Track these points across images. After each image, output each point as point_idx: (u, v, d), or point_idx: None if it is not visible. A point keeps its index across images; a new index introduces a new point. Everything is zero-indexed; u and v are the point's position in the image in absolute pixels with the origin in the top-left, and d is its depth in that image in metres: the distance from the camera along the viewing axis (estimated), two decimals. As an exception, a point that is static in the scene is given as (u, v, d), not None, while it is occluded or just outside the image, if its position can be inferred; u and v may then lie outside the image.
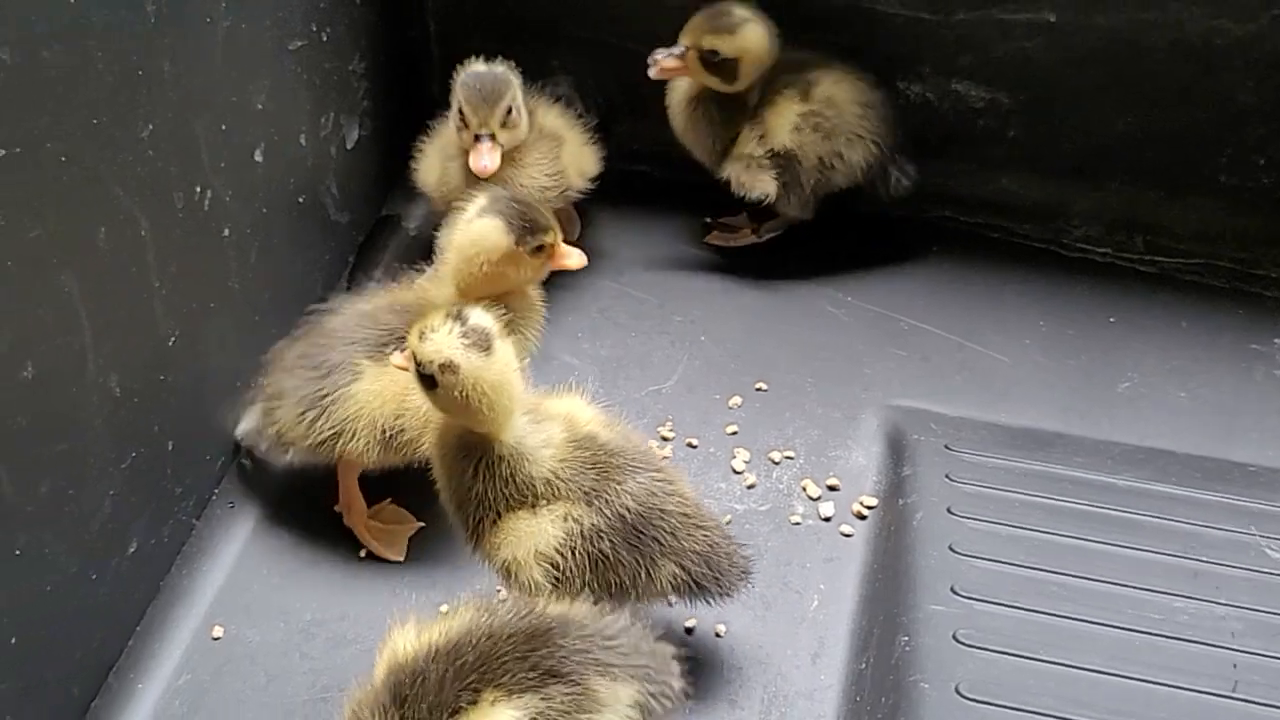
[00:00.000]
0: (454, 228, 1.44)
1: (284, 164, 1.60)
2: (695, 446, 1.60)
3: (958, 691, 1.30)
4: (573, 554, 1.23)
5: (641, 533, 1.25)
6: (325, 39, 1.66)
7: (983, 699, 1.30)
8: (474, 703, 1.07)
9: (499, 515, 1.25)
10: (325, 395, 1.42)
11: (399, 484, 1.50)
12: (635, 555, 1.24)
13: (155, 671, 1.37)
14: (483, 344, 1.19)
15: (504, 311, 1.29)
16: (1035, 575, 1.40)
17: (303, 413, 1.43)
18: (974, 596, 1.38)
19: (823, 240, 1.83)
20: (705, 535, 1.27)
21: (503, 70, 1.66)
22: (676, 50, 1.70)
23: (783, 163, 1.73)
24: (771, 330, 1.74)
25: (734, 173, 1.75)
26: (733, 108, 1.75)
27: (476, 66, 1.66)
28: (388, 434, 1.41)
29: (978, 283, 1.81)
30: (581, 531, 1.24)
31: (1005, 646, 1.34)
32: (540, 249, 1.43)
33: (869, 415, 1.62)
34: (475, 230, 1.41)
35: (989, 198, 1.86)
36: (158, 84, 1.32)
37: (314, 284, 1.70)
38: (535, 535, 1.24)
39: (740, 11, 1.69)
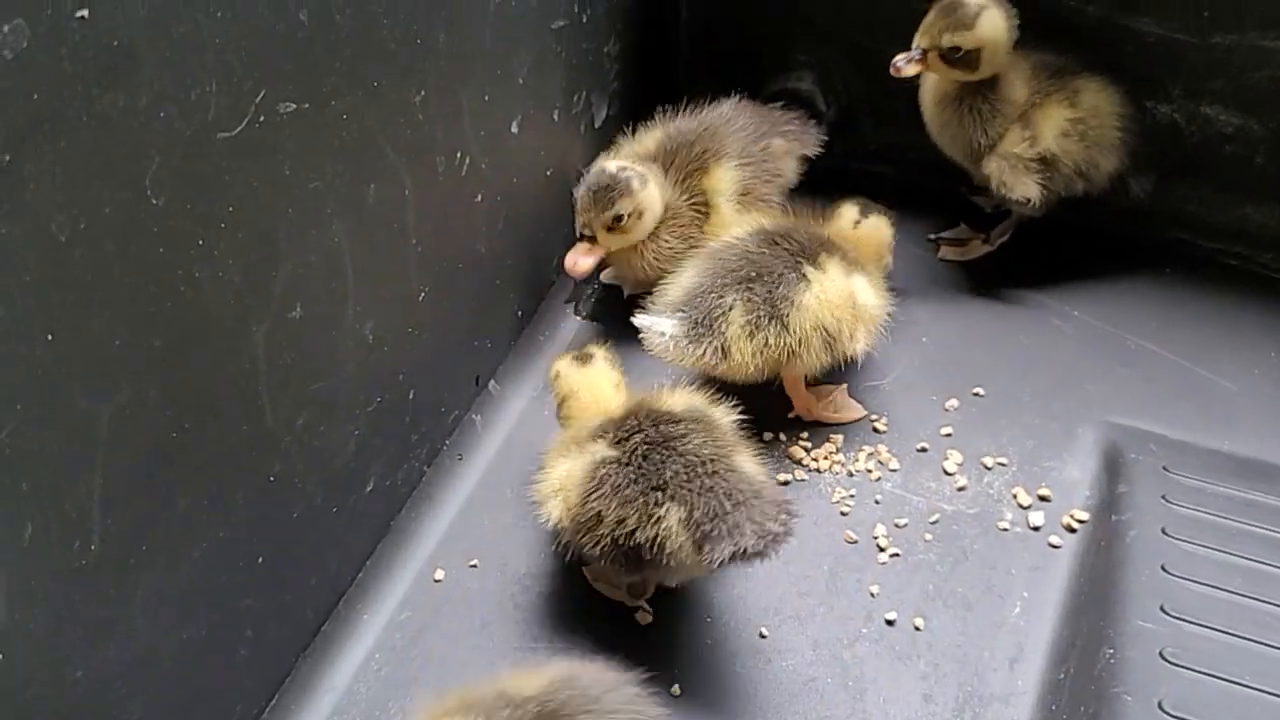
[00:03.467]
0: (840, 222, 1.66)
1: (537, 137, 1.67)
2: (908, 444, 1.62)
3: (1161, 707, 1.30)
4: (587, 485, 1.33)
5: (648, 471, 1.31)
6: (585, 20, 1.73)
7: (1186, 717, 1.29)
8: None
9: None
10: (780, 304, 1.54)
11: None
12: (639, 490, 1.30)
13: (380, 605, 1.46)
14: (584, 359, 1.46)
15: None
16: (1249, 604, 1.39)
17: (754, 324, 1.53)
18: (1184, 618, 1.38)
19: (1053, 254, 1.83)
20: (723, 485, 1.30)
21: (627, 176, 1.64)
22: (915, 54, 1.71)
23: (1047, 167, 1.73)
24: (993, 338, 1.75)
25: (997, 171, 1.73)
26: (995, 101, 1.74)
27: (608, 164, 1.67)
28: (834, 336, 1.55)
29: (1210, 307, 1.78)
30: (596, 459, 1.33)
31: (1213, 669, 1.33)
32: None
33: (1086, 430, 1.61)
34: (867, 232, 1.67)
35: (1230, 224, 1.83)
36: (433, 53, 1.39)
37: (552, 254, 1.77)
38: (560, 471, 1.37)
39: (973, 1, 1.69)
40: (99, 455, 1.03)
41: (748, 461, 1.36)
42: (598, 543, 1.32)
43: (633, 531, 1.30)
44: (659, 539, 1.29)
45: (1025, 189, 1.71)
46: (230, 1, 1.08)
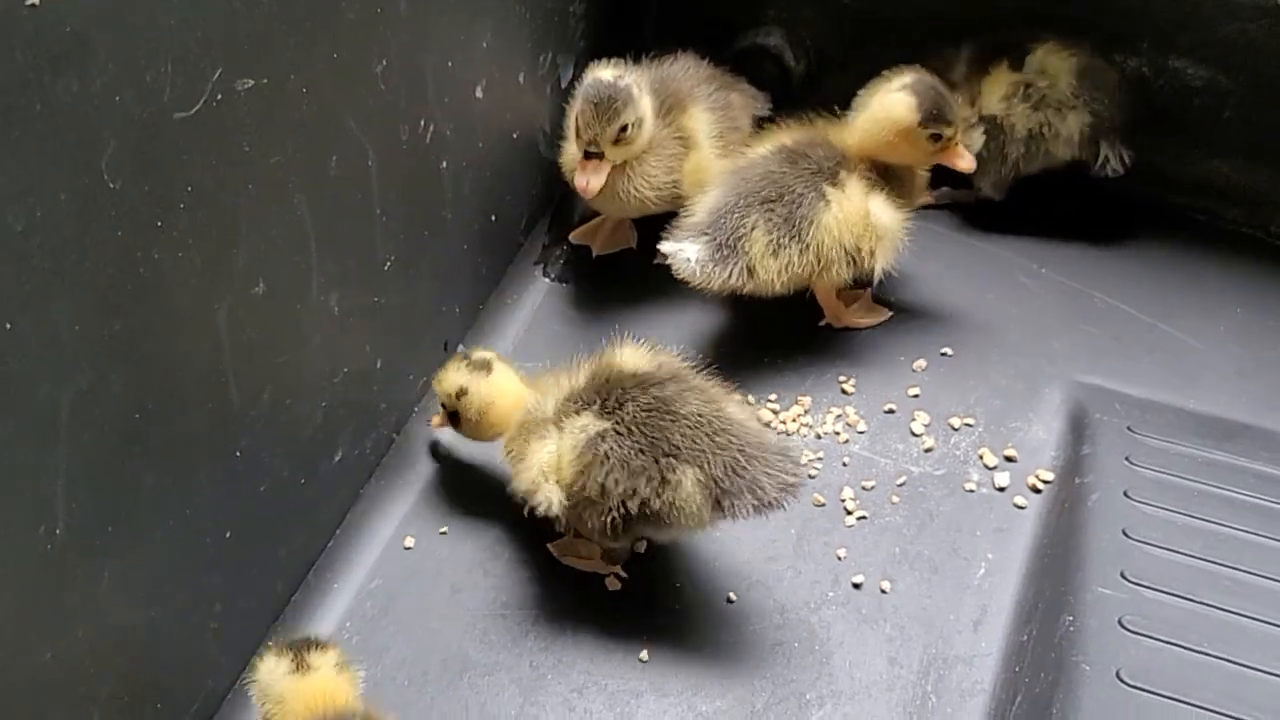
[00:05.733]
0: (875, 92, 1.61)
1: (503, 101, 1.66)
2: (875, 405, 1.63)
3: (1118, 676, 1.32)
4: (585, 460, 1.32)
5: (654, 437, 1.31)
6: (550, -20, 1.72)
7: (1143, 686, 1.31)
8: None
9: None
10: (801, 225, 1.56)
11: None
12: (648, 460, 1.31)
13: (350, 574, 1.46)
14: (483, 368, 1.44)
15: (887, 179, 1.60)
16: (1209, 568, 1.41)
17: (776, 244, 1.55)
18: (1144, 584, 1.40)
19: (1021, 210, 1.83)
20: (734, 442, 1.31)
21: (627, 84, 1.61)
22: None
23: (990, 131, 1.73)
24: (963, 297, 1.75)
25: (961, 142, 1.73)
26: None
27: (602, 73, 1.63)
28: (854, 253, 1.58)
29: (1178, 265, 1.78)
30: (588, 435, 1.33)
31: (1171, 636, 1.36)
32: (937, 138, 1.58)
33: (1053, 390, 1.62)
34: (889, 101, 1.58)
35: (1199, 179, 1.83)
36: (394, 22, 1.38)
37: (520, 218, 1.77)
38: (543, 455, 1.36)
39: None
40: (62, 440, 1.03)
41: (740, 410, 1.38)
42: (603, 515, 1.32)
43: (646, 500, 1.30)
44: (675, 504, 1.30)
45: (971, 144, 1.70)
46: (184, -20, 1.07)
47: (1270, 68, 1.73)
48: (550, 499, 1.34)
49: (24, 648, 1.04)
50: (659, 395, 1.34)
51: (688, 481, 1.30)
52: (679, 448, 1.30)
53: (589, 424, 1.34)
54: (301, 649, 1.18)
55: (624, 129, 1.61)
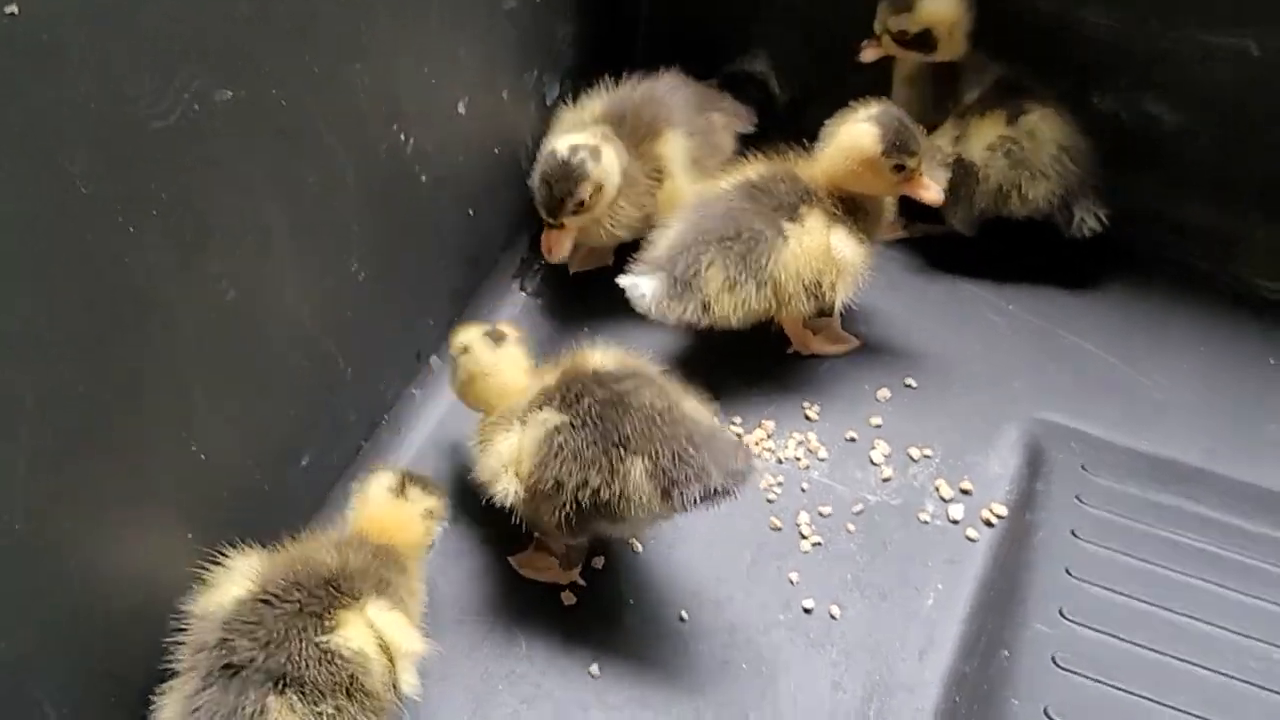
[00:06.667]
0: (842, 122, 1.62)
1: (485, 116, 1.69)
2: (837, 432, 1.65)
3: (1046, 713, 1.35)
4: (542, 453, 1.35)
5: (606, 429, 1.34)
6: (538, 1, 1.74)
7: (1070, 724, 1.35)
8: None
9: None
10: (758, 262, 1.58)
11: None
12: (600, 450, 1.33)
13: (312, 577, 1.49)
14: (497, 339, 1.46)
15: (853, 212, 1.62)
16: (1145, 609, 1.44)
17: (732, 281, 1.58)
18: (1080, 622, 1.43)
19: (992, 244, 1.85)
20: (683, 431, 1.33)
21: (581, 159, 1.63)
22: (872, 40, 1.79)
23: (963, 173, 1.76)
24: (929, 329, 1.78)
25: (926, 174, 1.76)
26: (945, 91, 1.81)
27: (559, 144, 1.65)
28: (814, 288, 1.60)
29: (1144, 306, 1.81)
30: (547, 429, 1.36)
31: (1102, 675, 1.38)
32: (900, 168, 1.60)
33: (1012, 425, 1.65)
34: (854, 131, 1.60)
35: (1168, 221, 1.85)
36: (375, 37, 1.41)
37: (499, 231, 1.80)
38: (505, 447, 1.39)
39: None
40: (23, 434, 1.06)
41: (696, 408, 1.40)
42: (557, 509, 1.35)
43: (596, 490, 1.33)
44: (624, 494, 1.32)
45: (936, 180, 1.73)
46: (165, -7, 1.10)
47: (1240, 113, 1.76)
48: (508, 490, 1.38)
49: (-22, 636, 1.07)
50: (616, 389, 1.37)
51: (636, 471, 1.32)
52: (629, 438, 1.33)
53: (549, 418, 1.37)
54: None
55: (580, 203, 1.65)
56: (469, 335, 1.47)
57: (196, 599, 1.26)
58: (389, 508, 1.35)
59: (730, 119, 1.85)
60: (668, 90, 1.81)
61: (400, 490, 1.36)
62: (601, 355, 1.44)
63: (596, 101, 1.79)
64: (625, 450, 1.33)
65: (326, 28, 1.33)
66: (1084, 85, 1.81)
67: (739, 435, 1.64)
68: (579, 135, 1.68)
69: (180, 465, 1.27)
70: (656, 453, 1.32)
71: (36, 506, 1.08)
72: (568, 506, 1.34)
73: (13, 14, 0.96)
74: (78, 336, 1.09)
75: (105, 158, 1.07)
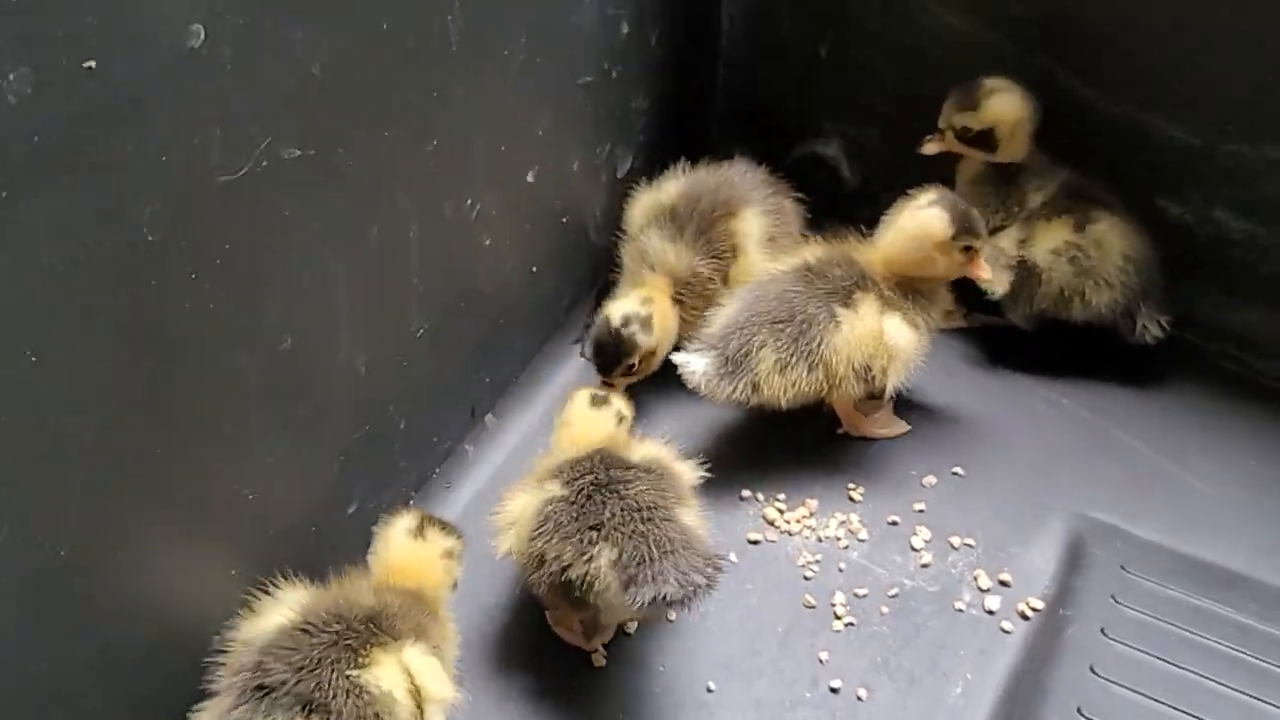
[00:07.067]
0: (903, 210, 1.66)
1: (553, 186, 1.74)
2: (880, 515, 1.67)
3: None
4: (536, 523, 1.40)
5: (589, 511, 1.38)
6: (615, 76, 1.79)
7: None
8: None
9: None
10: (810, 346, 1.61)
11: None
12: (576, 529, 1.37)
13: (351, 622, 1.53)
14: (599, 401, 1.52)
15: (910, 297, 1.66)
16: (1165, 713, 1.42)
17: (784, 363, 1.61)
18: (1097, 721, 1.43)
19: (1050, 338, 1.86)
20: (657, 532, 1.35)
21: (633, 330, 1.67)
22: (935, 135, 1.81)
23: (1025, 274, 1.78)
24: (981, 418, 1.79)
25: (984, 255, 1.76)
26: (1008, 193, 1.82)
27: (613, 314, 1.69)
28: (864, 373, 1.62)
29: (1199, 409, 1.80)
30: (546, 498, 1.41)
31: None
32: (968, 249, 1.65)
33: (1056, 519, 1.65)
34: (922, 216, 1.65)
35: (1231, 329, 1.85)
36: (449, 104, 1.46)
37: (562, 298, 1.84)
38: (517, 505, 1.45)
39: (989, 83, 1.77)
40: (79, 466, 1.11)
41: (688, 514, 1.42)
42: (542, 579, 1.39)
43: (567, 567, 1.37)
44: (589, 577, 1.36)
45: (996, 281, 1.76)
46: (241, 55, 1.15)
47: (1308, 225, 1.76)
48: (506, 546, 1.43)
49: (19, 655, 1.11)
50: (614, 475, 1.41)
51: (603, 559, 1.35)
52: (603, 524, 1.37)
53: (551, 489, 1.42)
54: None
55: (631, 367, 1.70)
56: (582, 390, 1.54)
57: (241, 625, 1.30)
58: (409, 550, 1.38)
59: (798, 207, 1.88)
60: (740, 174, 1.84)
61: (419, 532, 1.39)
62: (642, 446, 1.49)
63: (673, 183, 1.83)
64: (598, 534, 1.37)
65: (400, 96, 1.38)
66: (1150, 190, 1.82)
67: (780, 511, 1.66)
68: (633, 302, 1.70)
69: (229, 505, 1.32)
70: (624, 546, 1.35)
71: (86, 534, 1.13)
72: (547, 578, 1.38)
73: (90, 68, 1.01)
74: (136, 375, 1.15)
75: (172, 207, 1.12)
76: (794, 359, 1.61)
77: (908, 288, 1.67)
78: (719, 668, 1.49)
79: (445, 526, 1.41)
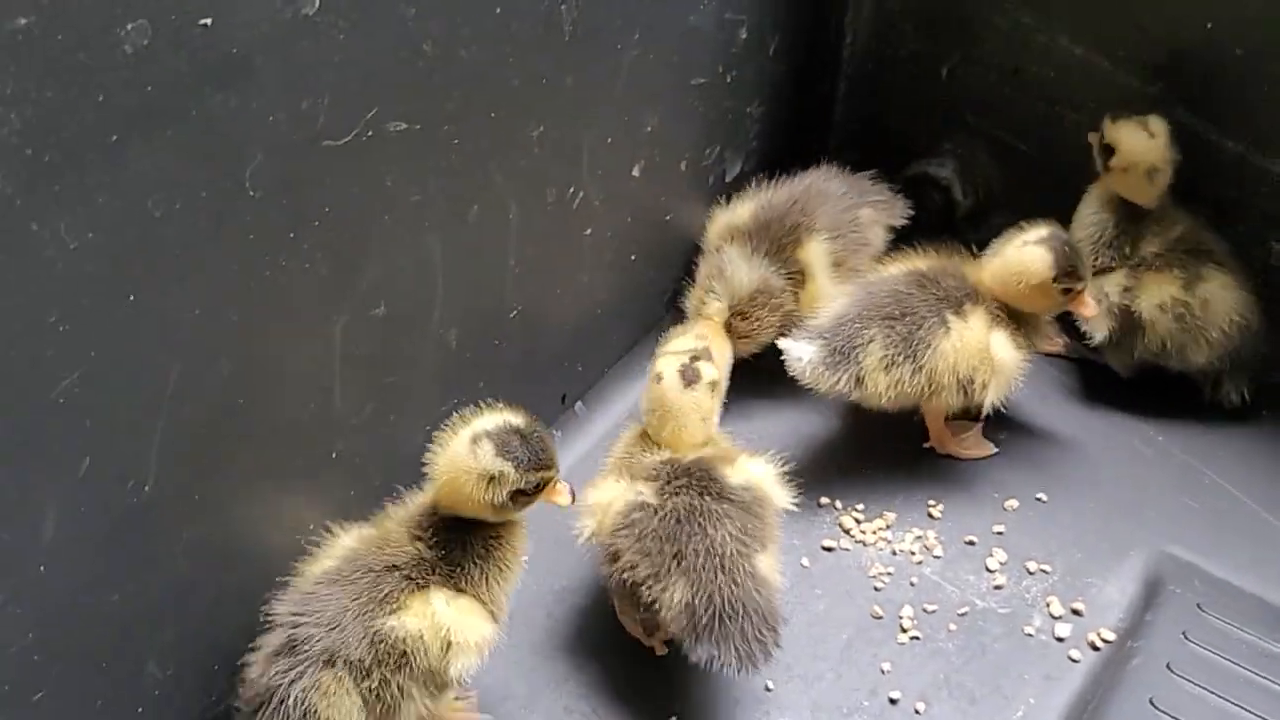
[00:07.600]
0: (1010, 242, 1.67)
1: (660, 183, 1.76)
2: (957, 534, 1.66)
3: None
4: (620, 521, 1.40)
5: (675, 534, 1.37)
6: (729, 80, 1.81)
7: None
8: None
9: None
10: (918, 346, 1.62)
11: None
12: (658, 549, 1.37)
13: (424, 589, 1.56)
14: (690, 376, 1.46)
15: (1014, 319, 1.66)
16: (1222, 753, 1.41)
17: (890, 360, 1.62)
18: (1151, 756, 1.41)
19: (1149, 380, 1.83)
20: (731, 591, 1.34)
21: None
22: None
23: (1130, 325, 1.77)
24: (1070, 447, 1.77)
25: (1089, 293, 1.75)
26: (1126, 230, 1.79)
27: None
28: (966, 383, 1.63)
29: (1294, 453, 1.77)
30: (636, 500, 1.41)
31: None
32: (1069, 291, 1.65)
33: (1136, 554, 1.62)
34: (1026, 254, 1.65)
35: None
36: (557, 93, 1.50)
37: (658, 295, 1.86)
38: (605, 493, 1.45)
39: (1147, 120, 1.75)
40: (164, 407, 1.16)
41: (766, 560, 1.40)
42: (613, 575, 1.41)
43: (640, 582, 1.38)
44: (658, 603, 1.37)
45: (1096, 326, 1.75)
46: (354, 26, 1.20)
47: None
48: (586, 531, 1.44)
49: (94, 585, 1.16)
50: (710, 506, 1.40)
51: (678, 591, 1.36)
52: (683, 554, 1.36)
53: (644, 492, 1.42)
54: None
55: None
56: (667, 363, 1.48)
57: (299, 570, 1.33)
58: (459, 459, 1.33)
59: (880, 213, 1.88)
60: (814, 193, 1.84)
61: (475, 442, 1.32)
62: (742, 464, 1.47)
63: (746, 205, 1.84)
64: (676, 566, 1.37)
65: (508, 80, 1.42)
66: (1264, 230, 1.79)
67: (858, 520, 1.67)
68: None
69: (310, 460, 1.36)
70: (698, 592, 1.35)
71: (167, 474, 1.18)
72: (617, 577, 1.40)
73: (205, 25, 1.06)
74: (227, 327, 1.19)
75: (276, 167, 1.17)
76: (901, 357, 1.61)
77: (1011, 310, 1.67)
78: (780, 667, 1.50)
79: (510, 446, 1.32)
